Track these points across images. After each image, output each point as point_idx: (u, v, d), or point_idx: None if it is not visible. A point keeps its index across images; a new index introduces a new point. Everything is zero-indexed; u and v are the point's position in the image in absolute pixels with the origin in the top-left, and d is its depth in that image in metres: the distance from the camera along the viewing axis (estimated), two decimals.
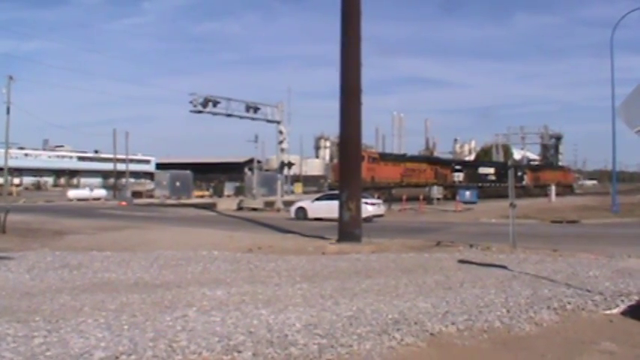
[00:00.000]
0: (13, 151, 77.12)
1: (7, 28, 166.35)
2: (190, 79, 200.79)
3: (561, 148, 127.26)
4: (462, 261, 14.37)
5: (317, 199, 35.87)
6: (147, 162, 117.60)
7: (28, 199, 63.53)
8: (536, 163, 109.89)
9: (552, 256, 15.31)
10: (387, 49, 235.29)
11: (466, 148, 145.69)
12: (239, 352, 6.59)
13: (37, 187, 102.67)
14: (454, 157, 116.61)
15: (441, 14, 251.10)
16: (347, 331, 7.49)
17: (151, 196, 67.73)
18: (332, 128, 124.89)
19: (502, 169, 68.98)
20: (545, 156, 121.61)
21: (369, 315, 8.40)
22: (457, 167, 71.51)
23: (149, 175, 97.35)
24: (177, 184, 66.74)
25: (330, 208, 28.51)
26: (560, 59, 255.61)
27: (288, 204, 41.62)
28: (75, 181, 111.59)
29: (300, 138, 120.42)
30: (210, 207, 48.95)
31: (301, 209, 34.80)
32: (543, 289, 10.53)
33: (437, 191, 53.23)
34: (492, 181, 71.25)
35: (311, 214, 33.53)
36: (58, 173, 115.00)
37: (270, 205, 46.03)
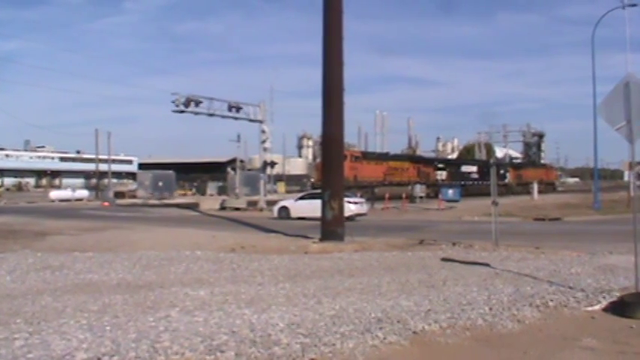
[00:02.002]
0: None
1: None
2: (172, 79, 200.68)
3: (543, 146, 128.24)
4: (444, 259, 14.41)
5: (300, 198, 35.93)
6: (129, 162, 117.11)
7: (9, 200, 63.06)
8: (519, 161, 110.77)
9: (535, 254, 15.40)
10: (371, 47, 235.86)
11: (449, 146, 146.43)
12: (222, 352, 6.58)
13: (19, 188, 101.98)
14: (437, 156, 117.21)
15: (425, 13, 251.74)
16: (330, 330, 7.49)
17: (134, 197, 67.40)
18: (315, 127, 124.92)
19: (485, 168, 69.43)
20: (527, 154, 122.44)
21: (352, 314, 8.40)
22: (440, 166, 71.88)
23: (132, 176, 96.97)
24: (160, 184, 66.50)
25: (313, 208, 28.63)
26: (542, 57, 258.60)
27: (271, 203, 41.62)
28: (57, 181, 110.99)
29: (282, 137, 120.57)
30: (193, 207, 48.83)
31: (284, 208, 34.81)
32: (526, 286, 10.59)
33: (420, 190, 53.47)
34: (475, 180, 71.58)
35: (294, 214, 33.56)
36: (39, 174, 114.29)
37: (253, 204, 45.96)
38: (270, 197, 50.98)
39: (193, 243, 18.92)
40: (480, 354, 7.14)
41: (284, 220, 32.64)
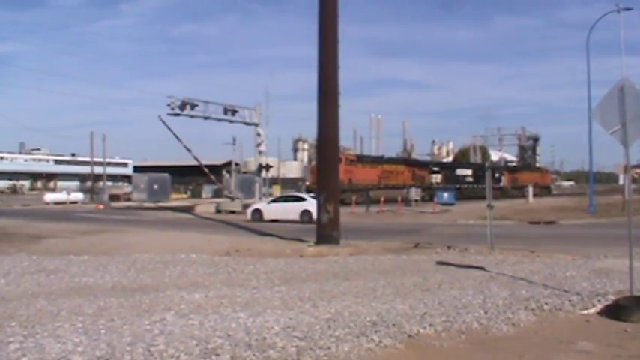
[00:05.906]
0: None
1: None
2: (168, 82, 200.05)
3: (538, 150, 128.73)
4: (440, 262, 14.42)
5: (272, 201, 36.80)
6: (124, 165, 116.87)
7: (4, 203, 62.80)
8: (514, 164, 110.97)
9: (530, 257, 15.41)
10: (367, 51, 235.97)
11: (444, 149, 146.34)
12: (217, 355, 6.57)
13: (14, 190, 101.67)
14: (432, 159, 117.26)
15: (422, 17, 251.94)
16: (325, 334, 7.49)
17: (129, 200, 67.32)
18: (310, 130, 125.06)
19: (480, 171, 69.44)
20: (522, 157, 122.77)
21: (348, 317, 8.40)
22: (435, 169, 72.02)
23: (127, 179, 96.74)
24: (155, 187, 66.37)
25: (285, 210, 29.39)
26: (538, 61, 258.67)
27: None
28: (52, 184, 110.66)
29: (278, 140, 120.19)
30: (189, 210, 48.73)
31: (257, 211, 35.27)
32: (521, 289, 10.60)
33: (415, 193, 53.38)
34: (470, 183, 71.58)
35: (266, 216, 33.94)
36: (34, 177, 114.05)
37: (248, 207, 45.86)
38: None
39: (189, 246, 18.89)
40: (476, 357, 7.14)
41: (257, 222, 32.80)
